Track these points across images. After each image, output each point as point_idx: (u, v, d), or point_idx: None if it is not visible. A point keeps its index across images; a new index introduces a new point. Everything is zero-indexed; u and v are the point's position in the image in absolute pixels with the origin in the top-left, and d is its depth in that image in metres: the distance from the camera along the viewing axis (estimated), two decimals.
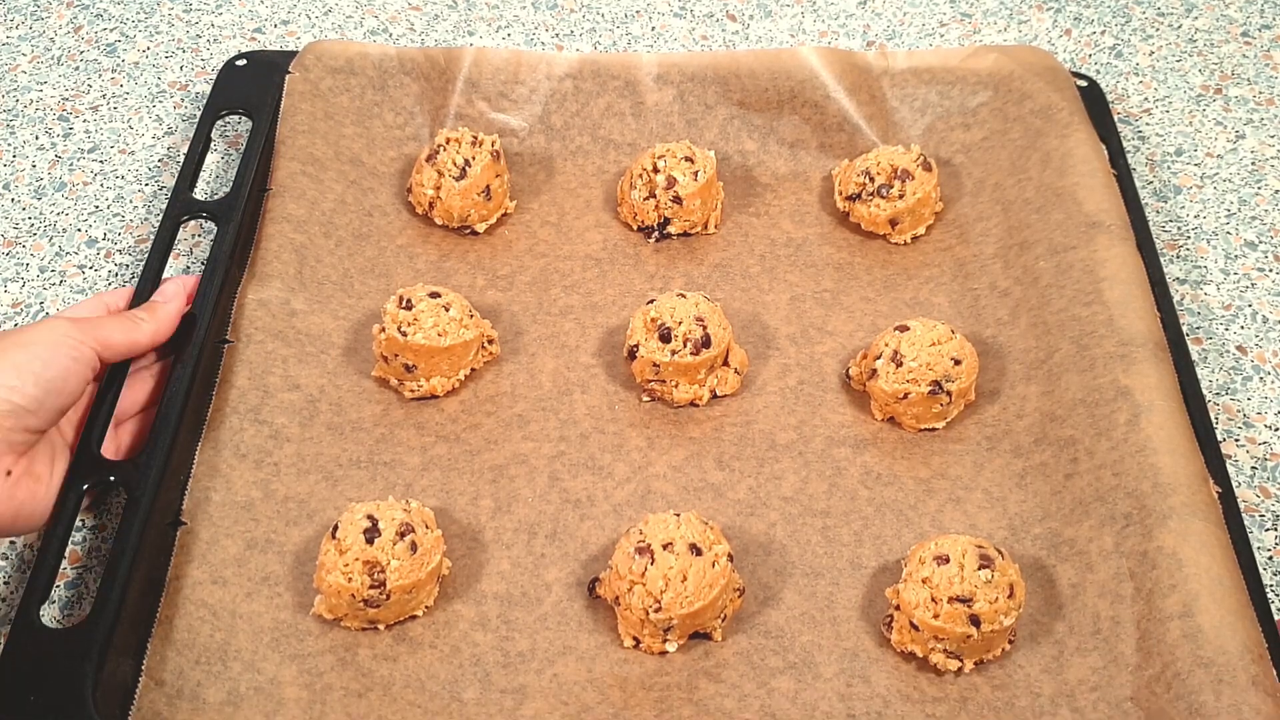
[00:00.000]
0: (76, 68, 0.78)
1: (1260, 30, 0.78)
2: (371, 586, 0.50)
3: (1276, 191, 0.69)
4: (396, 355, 0.60)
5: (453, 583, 0.54)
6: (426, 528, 0.53)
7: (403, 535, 0.51)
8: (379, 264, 0.67)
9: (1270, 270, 0.65)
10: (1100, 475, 0.57)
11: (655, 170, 0.68)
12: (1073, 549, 0.56)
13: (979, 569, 0.52)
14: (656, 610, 0.51)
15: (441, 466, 0.58)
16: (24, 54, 0.78)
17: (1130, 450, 0.57)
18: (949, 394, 0.60)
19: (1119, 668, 0.52)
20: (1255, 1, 0.81)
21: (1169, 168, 0.71)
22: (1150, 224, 0.65)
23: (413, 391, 0.61)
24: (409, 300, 0.60)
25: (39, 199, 0.71)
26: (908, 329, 0.62)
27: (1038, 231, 0.68)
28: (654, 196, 0.68)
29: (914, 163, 0.70)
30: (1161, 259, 0.66)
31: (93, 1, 0.82)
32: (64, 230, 0.69)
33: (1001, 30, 0.82)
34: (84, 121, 0.75)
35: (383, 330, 0.60)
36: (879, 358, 0.61)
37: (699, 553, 0.52)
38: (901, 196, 0.69)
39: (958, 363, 0.61)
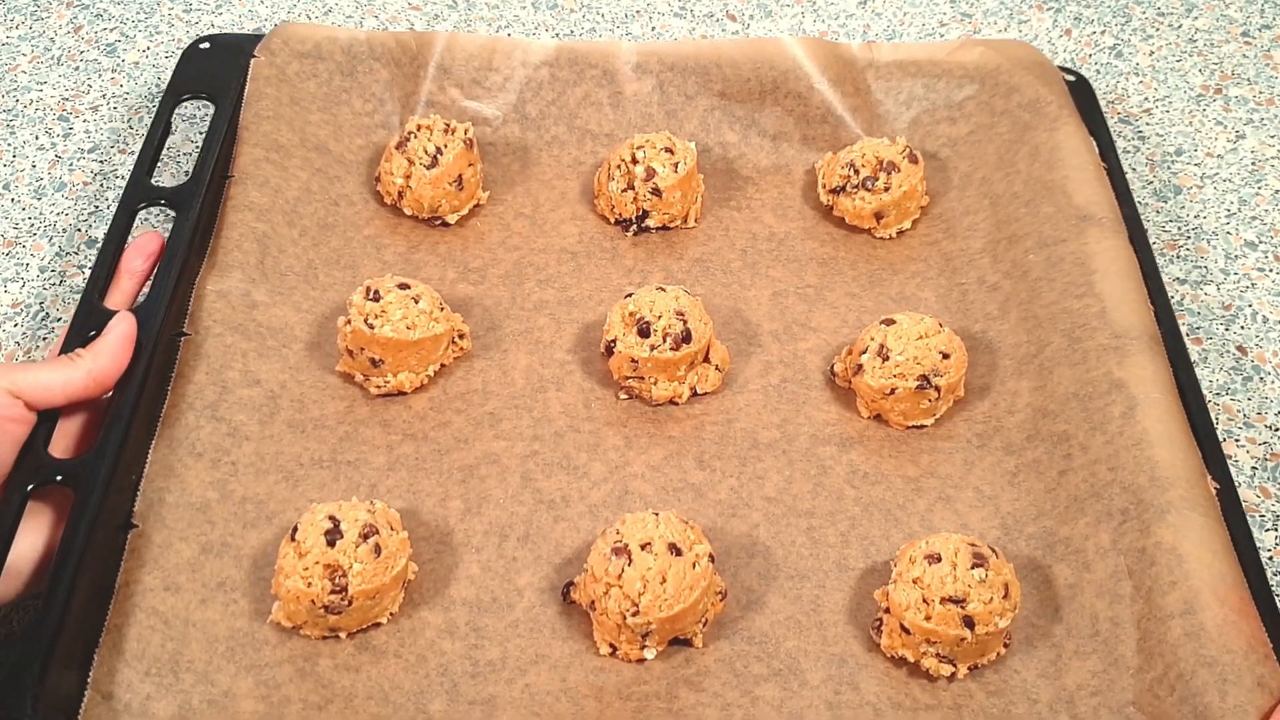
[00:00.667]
0: (76, 68, 0.77)
1: (1260, 30, 0.78)
2: (332, 592, 0.48)
3: (1276, 191, 0.69)
4: (362, 349, 0.57)
5: (419, 588, 0.52)
6: (391, 529, 0.50)
7: (366, 537, 0.49)
8: (345, 255, 0.64)
9: (1270, 270, 0.65)
10: (1095, 470, 0.55)
11: (634, 161, 0.66)
12: (1068, 547, 0.54)
13: (972, 568, 0.50)
14: (634, 614, 0.48)
15: (408, 466, 0.56)
16: (24, 54, 0.78)
17: (1125, 444, 0.55)
18: (937, 389, 0.58)
19: (1120, 671, 0.50)
20: (1255, 1, 0.81)
21: (1169, 168, 0.70)
22: (1150, 224, 0.65)
23: (379, 387, 0.58)
24: (376, 292, 0.57)
25: (39, 199, 0.70)
26: (894, 322, 0.60)
27: (1027, 225, 0.66)
28: (632, 188, 0.66)
29: (900, 155, 0.68)
30: (1161, 259, 0.66)
31: (93, 1, 0.82)
32: (64, 230, 0.68)
33: (1002, 30, 0.82)
34: (84, 121, 0.74)
35: (348, 323, 0.57)
36: (864, 352, 0.59)
37: (679, 553, 0.49)
38: (887, 189, 0.67)
39: (946, 356, 0.59)
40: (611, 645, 0.50)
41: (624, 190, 0.66)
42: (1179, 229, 0.67)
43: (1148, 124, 0.72)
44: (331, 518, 0.49)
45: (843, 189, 0.68)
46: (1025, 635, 0.52)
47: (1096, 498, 0.55)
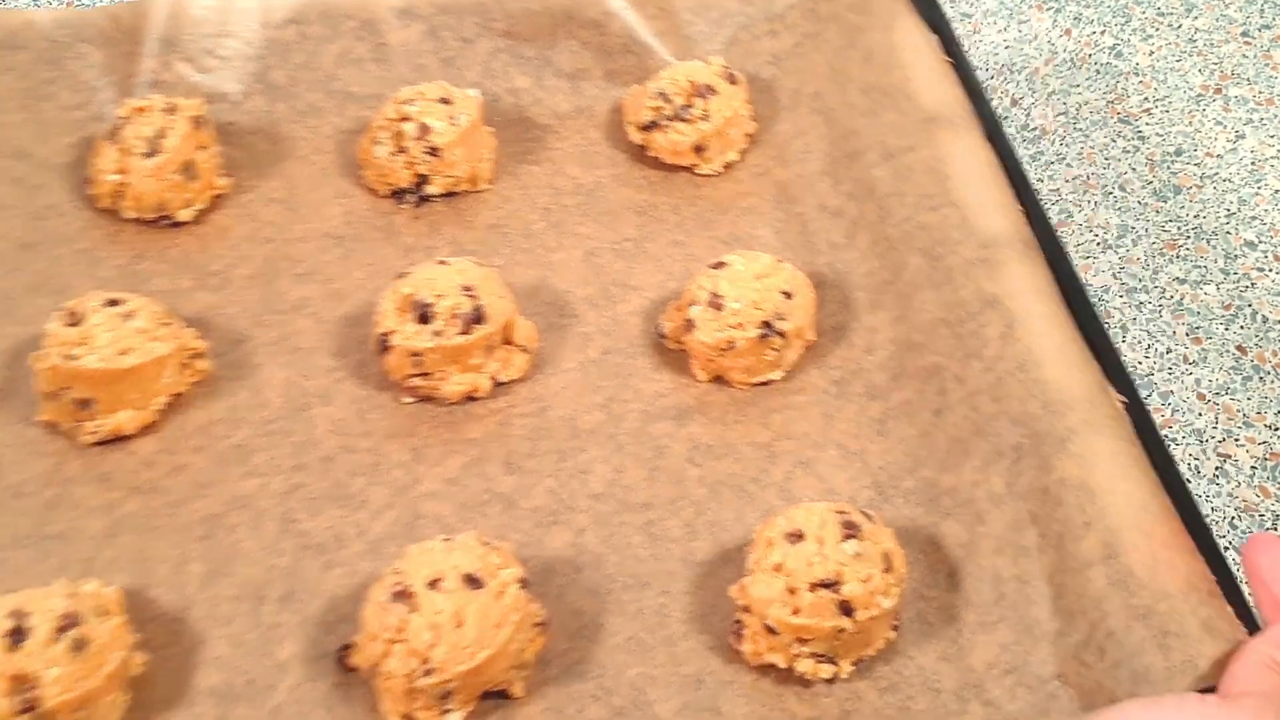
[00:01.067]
0: None
1: (1260, 30, 0.79)
2: (23, 710, 0.36)
3: (1276, 191, 0.69)
4: (66, 388, 0.45)
5: (149, 684, 0.40)
6: (103, 615, 0.39)
7: (64, 630, 0.37)
8: (53, 278, 0.52)
9: (1270, 270, 0.65)
10: (976, 404, 0.47)
11: (404, 119, 0.55)
12: (956, 500, 0.46)
13: (844, 540, 0.41)
14: (426, 673, 0.38)
15: (134, 528, 0.44)
16: None
17: (1008, 368, 0.47)
18: (783, 335, 0.49)
19: (1035, 639, 0.41)
20: (1255, 1, 0.81)
21: (1169, 168, 0.70)
22: (1150, 224, 0.65)
23: (92, 434, 0.46)
24: (78, 314, 0.46)
25: None
26: (725, 265, 0.51)
27: (868, 137, 0.58)
28: (405, 151, 0.55)
29: (717, 76, 0.59)
30: (1161, 258, 0.66)
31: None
32: None
33: (1002, 30, 0.80)
34: None
35: (44, 358, 0.45)
36: (694, 305, 0.50)
37: (479, 585, 0.39)
38: (706, 117, 0.58)
39: (789, 296, 0.50)
40: (404, 717, 0.39)
41: (394, 154, 0.56)
42: (1179, 229, 0.66)
43: (1148, 124, 0.72)
44: (15, 613, 0.38)
45: (655, 124, 0.58)
46: (917, 612, 0.43)
47: (981, 436, 0.46)
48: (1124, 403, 0.46)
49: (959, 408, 0.48)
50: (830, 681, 0.41)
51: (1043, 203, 0.56)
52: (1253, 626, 0.39)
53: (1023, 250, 0.51)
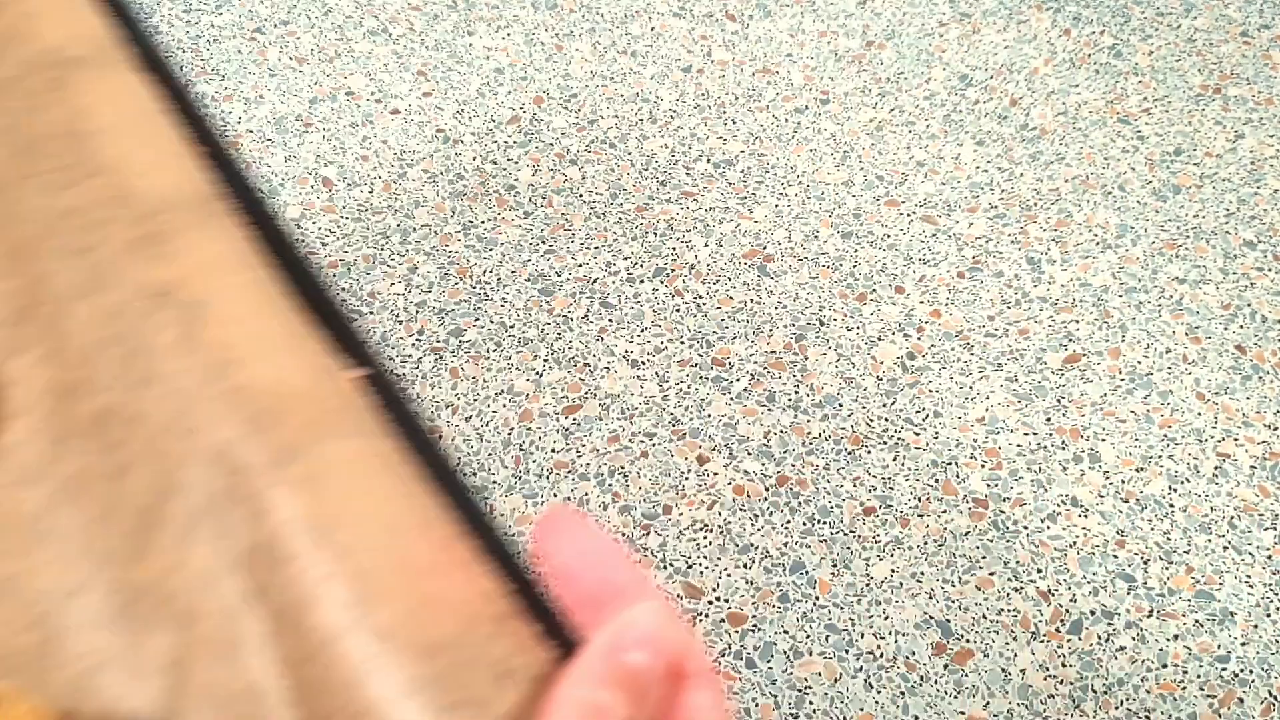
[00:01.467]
0: None
1: (1259, 30, 0.75)
2: None
3: (1276, 191, 0.65)
4: None
5: None
6: None
7: None
8: None
9: (1270, 270, 0.60)
10: (161, 447, 0.33)
11: None
12: (157, 599, 0.32)
13: None
14: None
15: None
16: None
17: (194, 383, 0.34)
18: None
19: None
20: (1255, 1, 0.78)
21: (1168, 168, 0.65)
22: (1149, 223, 0.56)
23: None
24: None
25: None
26: None
27: None
28: None
29: None
30: (1161, 258, 0.57)
31: None
32: None
33: (1001, 30, 0.73)
34: None
35: None
36: None
37: None
38: None
39: None
40: None
41: None
42: (1178, 229, 0.62)
43: (1147, 124, 0.70)
44: None
45: None
46: None
47: (175, 493, 0.33)
48: (367, 373, 0.35)
49: (144, 461, 0.33)
50: None
51: (222, 140, 0.42)
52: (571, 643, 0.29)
53: (203, 211, 0.38)
